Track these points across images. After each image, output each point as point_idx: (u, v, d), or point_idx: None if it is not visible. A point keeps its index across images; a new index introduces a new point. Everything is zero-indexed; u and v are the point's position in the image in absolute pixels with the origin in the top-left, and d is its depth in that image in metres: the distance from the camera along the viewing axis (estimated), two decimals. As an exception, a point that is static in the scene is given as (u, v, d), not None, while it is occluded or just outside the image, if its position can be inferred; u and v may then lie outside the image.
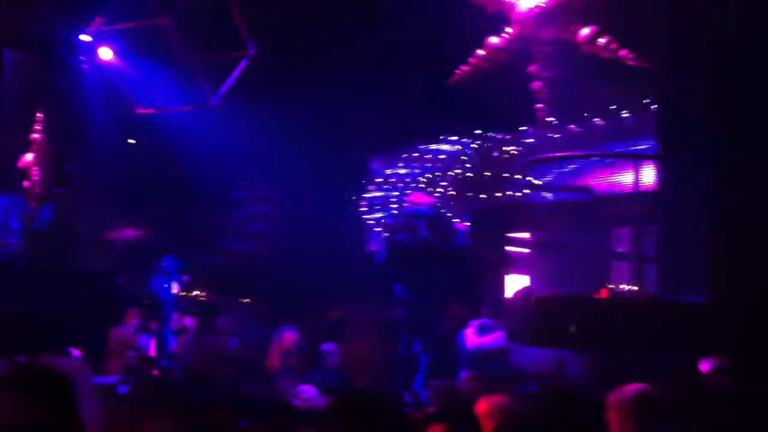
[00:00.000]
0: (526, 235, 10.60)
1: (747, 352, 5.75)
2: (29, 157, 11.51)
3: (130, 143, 12.92)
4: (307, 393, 6.78)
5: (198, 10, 11.18)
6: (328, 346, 8.73)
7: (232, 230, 13.14)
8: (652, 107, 8.53)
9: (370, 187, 10.89)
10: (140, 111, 11.85)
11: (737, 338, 6.09)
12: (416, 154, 10.60)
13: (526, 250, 10.64)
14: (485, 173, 10.10)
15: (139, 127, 12.30)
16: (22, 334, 9.14)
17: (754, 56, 6.80)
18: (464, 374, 8.05)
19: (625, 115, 8.91)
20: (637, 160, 8.15)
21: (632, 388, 3.60)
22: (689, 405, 3.86)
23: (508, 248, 10.61)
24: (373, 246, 10.38)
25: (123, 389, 7.11)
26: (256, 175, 13.01)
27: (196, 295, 11.61)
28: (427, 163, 10.51)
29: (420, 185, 10.32)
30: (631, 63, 8.83)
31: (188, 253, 11.42)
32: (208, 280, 11.93)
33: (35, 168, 11.49)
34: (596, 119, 9.19)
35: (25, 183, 11.50)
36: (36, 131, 11.62)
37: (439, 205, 9.91)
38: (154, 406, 4.89)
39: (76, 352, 7.52)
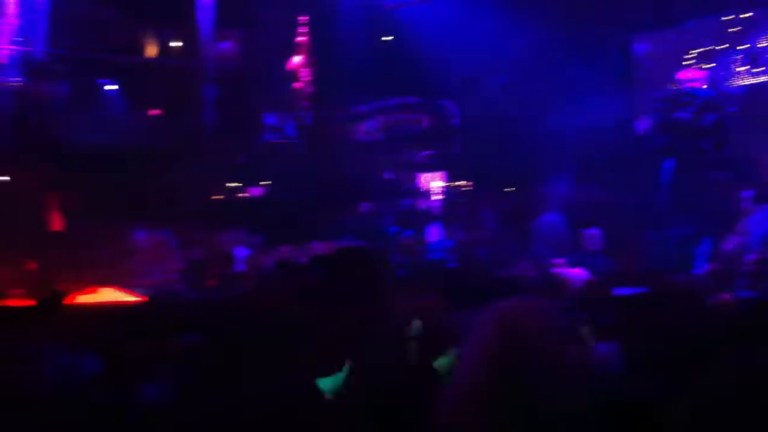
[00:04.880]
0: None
1: None
2: (297, 59, 12.19)
3: (384, 40, 13.21)
4: (579, 275, 6.83)
5: None
6: (591, 231, 8.67)
7: (486, 121, 13.14)
8: None
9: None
10: (390, 6, 12.08)
11: None
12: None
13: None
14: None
15: (390, 23, 12.58)
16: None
17: None
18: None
19: None
20: None
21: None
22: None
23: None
24: (643, 125, 9.93)
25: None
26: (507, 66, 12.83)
27: (459, 185, 11.85)
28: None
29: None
30: None
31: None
32: (465, 169, 12.12)
33: (304, 69, 12.15)
34: None
35: (295, 85, 12.23)
36: (301, 34, 12.21)
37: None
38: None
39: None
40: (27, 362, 3.01)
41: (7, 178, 8.08)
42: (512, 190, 11.11)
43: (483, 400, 2.12)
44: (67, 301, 5.71)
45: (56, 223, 7.71)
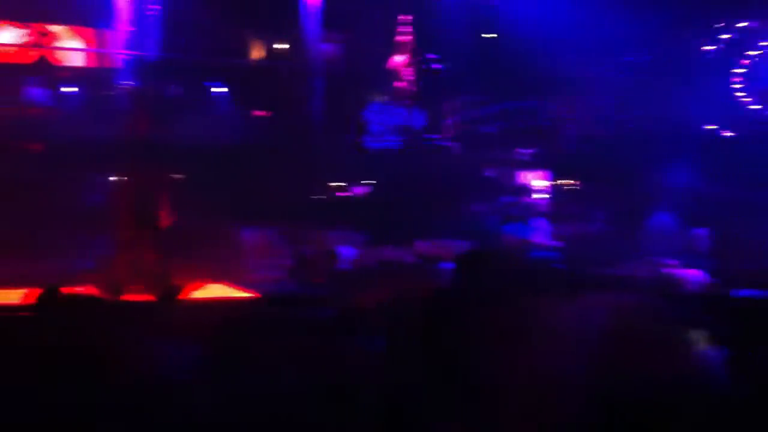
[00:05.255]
0: None
1: None
2: (399, 58, 12.23)
3: (486, 38, 13.11)
4: (694, 276, 6.63)
5: None
6: (700, 231, 8.43)
7: (592, 117, 12.88)
8: None
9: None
10: (494, 3, 11.99)
11: None
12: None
13: None
14: None
15: (492, 20, 12.48)
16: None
17: None
18: None
19: None
20: None
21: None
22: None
23: None
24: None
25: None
26: (617, 60, 12.55)
27: (565, 183, 11.66)
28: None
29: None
30: None
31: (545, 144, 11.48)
32: (570, 167, 11.91)
33: (406, 69, 12.18)
34: None
35: (396, 84, 12.27)
36: (403, 33, 12.24)
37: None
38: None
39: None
40: (149, 356, 3.11)
41: (123, 176, 8.40)
42: (621, 188, 10.85)
43: (581, 393, 2.08)
44: (182, 296, 5.90)
45: (169, 219, 7.96)
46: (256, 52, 13.54)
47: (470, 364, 2.48)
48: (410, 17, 12.27)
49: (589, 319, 2.30)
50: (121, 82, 11.56)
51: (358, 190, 11.97)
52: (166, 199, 7.92)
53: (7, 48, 12.14)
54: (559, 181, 11.79)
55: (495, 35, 12.89)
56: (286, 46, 13.32)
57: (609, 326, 2.21)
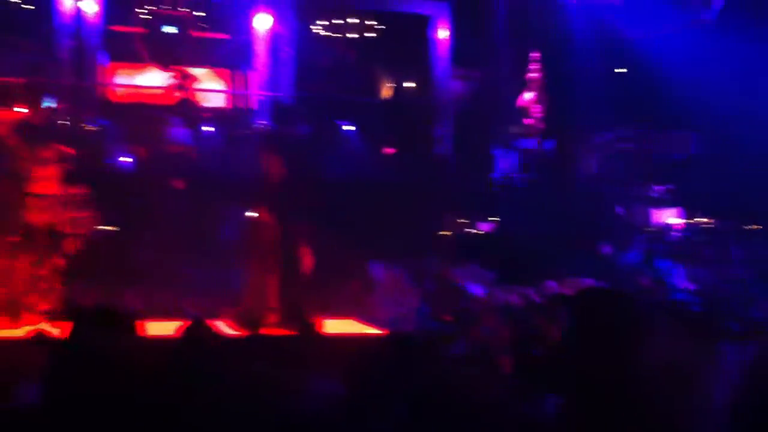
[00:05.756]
0: None
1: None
2: (528, 95, 12.20)
3: (618, 72, 12.89)
4: None
5: None
6: None
7: (731, 153, 12.38)
8: None
9: None
10: (626, 37, 11.78)
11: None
12: None
13: None
14: None
15: (623, 53, 12.26)
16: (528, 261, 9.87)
17: None
18: None
19: None
20: None
21: None
22: None
23: None
24: None
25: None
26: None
27: (700, 222, 11.23)
28: None
29: None
30: None
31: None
32: (707, 204, 11.47)
33: (536, 106, 12.13)
34: None
35: (526, 121, 12.22)
36: (533, 70, 12.22)
37: None
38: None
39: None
40: (290, 391, 3.20)
41: (260, 213, 8.70)
42: (764, 228, 10.37)
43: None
44: (317, 331, 6.03)
45: (305, 255, 8.19)
46: (386, 90, 13.82)
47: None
48: (539, 53, 12.24)
49: (729, 366, 2.22)
50: (257, 121, 12.04)
51: (485, 227, 11.93)
52: (302, 235, 8.15)
53: (152, 90, 12.90)
54: (695, 219, 11.37)
55: (626, 69, 12.67)
56: (413, 84, 13.54)
57: (750, 376, 2.13)
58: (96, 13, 11.89)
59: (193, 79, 13.01)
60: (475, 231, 11.83)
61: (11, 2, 12.33)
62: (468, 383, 3.02)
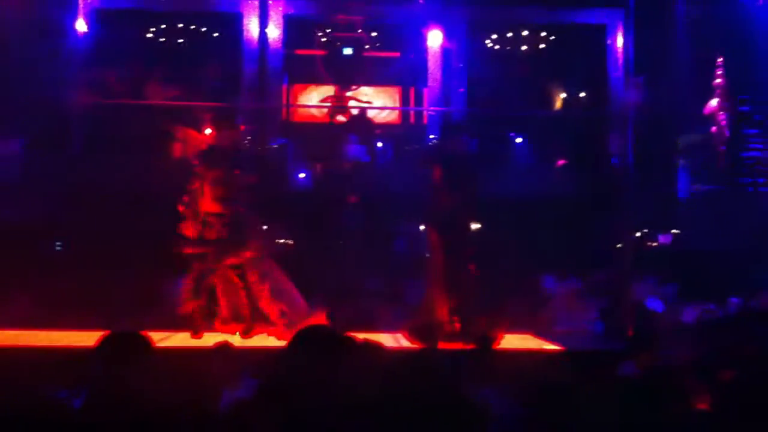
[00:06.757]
0: None
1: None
2: (714, 102, 11.64)
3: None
4: None
5: None
6: None
7: None
8: None
9: None
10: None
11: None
12: None
13: None
14: None
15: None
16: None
17: None
18: None
19: None
20: None
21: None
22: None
23: None
24: None
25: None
26: None
27: None
28: None
29: None
30: None
31: None
32: None
33: (721, 113, 11.56)
34: None
35: (713, 129, 11.67)
36: (718, 76, 11.66)
37: None
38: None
39: None
40: (471, 403, 3.22)
41: (433, 227, 8.76)
42: None
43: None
44: (495, 346, 6.01)
45: (478, 268, 8.17)
46: (559, 102, 13.60)
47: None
48: (721, 59, 11.66)
49: None
50: (429, 137, 12.18)
51: (665, 239, 11.45)
52: (475, 248, 8.16)
53: (329, 108, 13.36)
54: None
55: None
56: (587, 94, 13.23)
57: None
58: (278, 38, 12.50)
59: (364, 96, 13.36)
60: (654, 244, 11.40)
61: (201, 32, 13.18)
62: (651, 408, 2.93)
